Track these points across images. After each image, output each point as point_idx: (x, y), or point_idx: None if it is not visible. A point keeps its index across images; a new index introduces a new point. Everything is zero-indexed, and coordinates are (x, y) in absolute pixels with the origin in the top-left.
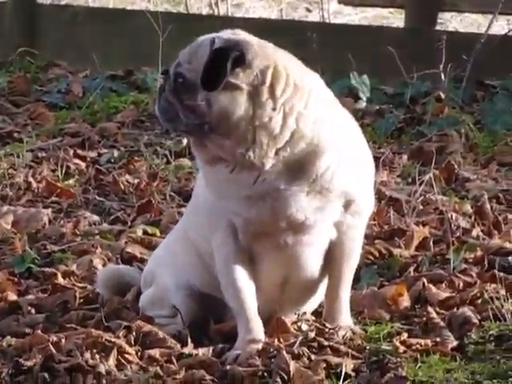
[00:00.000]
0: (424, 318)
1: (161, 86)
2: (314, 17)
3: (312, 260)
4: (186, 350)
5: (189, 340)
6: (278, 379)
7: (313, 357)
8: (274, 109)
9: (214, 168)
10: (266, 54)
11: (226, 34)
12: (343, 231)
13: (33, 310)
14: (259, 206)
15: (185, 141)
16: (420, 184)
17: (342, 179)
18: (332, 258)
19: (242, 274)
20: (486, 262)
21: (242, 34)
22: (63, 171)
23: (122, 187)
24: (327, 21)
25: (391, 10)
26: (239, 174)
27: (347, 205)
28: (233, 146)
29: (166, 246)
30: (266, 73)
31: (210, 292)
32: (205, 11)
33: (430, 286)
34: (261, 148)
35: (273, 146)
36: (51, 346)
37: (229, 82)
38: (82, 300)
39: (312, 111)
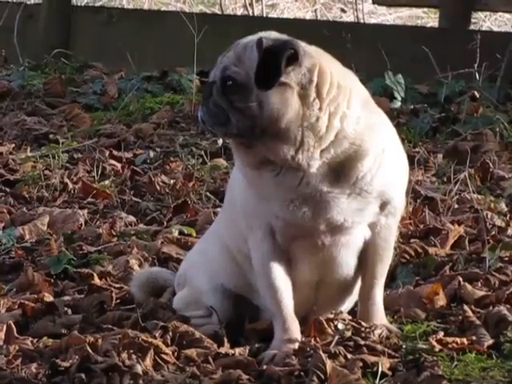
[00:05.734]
0: (460, 317)
1: (205, 92)
2: (349, 17)
3: (347, 260)
4: (223, 350)
5: (225, 340)
6: (315, 378)
7: (349, 356)
8: (320, 109)
9: (258, 172)
10: (311, 53)
11: (266, 34)
12: (377, 232)
13: (69, 311)
14: (301, 209)
15: (220, 141)
16: (455, 183)
17: (381, 181)
18: (365, 258)
19: (279, 274)
20: None
21: (278, 35)
22: (99, 172)
23: (158, 188)
24: (361, 21)
25: (425, 9)
26: (284, 177)
27: (383, 206)
28: (283, 148)
29: (200, 249)
30: (313, 72)
31: (245, 294)
32: (239, 12)
33: (466, 284)
34: (308, 149)
35: (318, 147)
36: (88, 346)
37: (281, 81)
38: (118, 300)
39: (354, 111)
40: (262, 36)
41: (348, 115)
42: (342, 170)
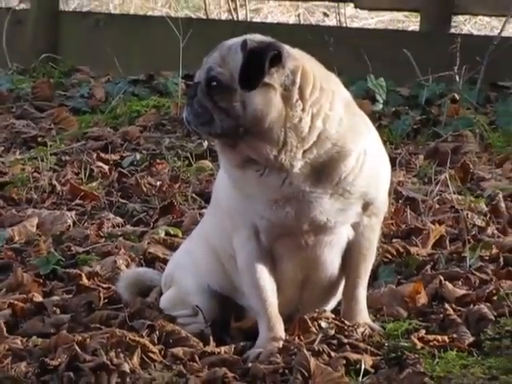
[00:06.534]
0: (441, 315)
1: (190, 93)
2: (331, 21)
3: (331, 260)
4: (209, 349)
5: (211, 339)
6: (299, 376)
7: (332, 354)
8: (303, 110)
9: (242, 171)
10: (294, 55)
11: (251, 37)
12: (360, 232)
13: (58, 311)
14: (284, 209)
15: (205, 143)
16: (436, 183)
17: (363, 181)
18: (349, 258)
19: (263, 273)
20: (501, 260)
21: (263, 38)
22: (87, 174)
23: (145, 189)
24: (344, 25)
25: (406, 13)
26: (267, 177)
27: (365, 206)
28: (266, 147)
29: (186, 250)
30: (297, 73)
31: (230, 295)
32: (224, 16)
33: (447, 283)
34: (290, 150)
35: (300, 148)
36: (76, 345)
37: (264, 82)
38: (106, 300)
39: (337, 113)
40: (247, 38)
41: (330, 117)
42: (324, 171)
